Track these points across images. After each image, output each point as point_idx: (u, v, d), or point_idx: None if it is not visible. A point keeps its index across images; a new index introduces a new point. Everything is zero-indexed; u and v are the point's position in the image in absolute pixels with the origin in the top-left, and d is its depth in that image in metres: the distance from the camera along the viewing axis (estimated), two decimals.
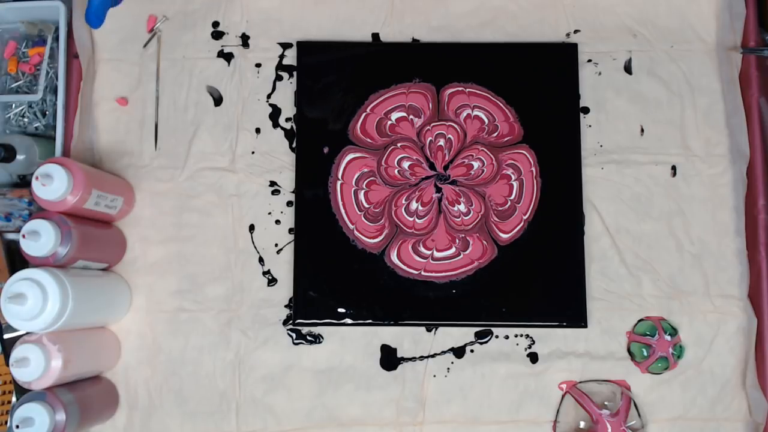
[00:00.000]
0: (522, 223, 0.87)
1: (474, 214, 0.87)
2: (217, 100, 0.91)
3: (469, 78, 0.90)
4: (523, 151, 0.88)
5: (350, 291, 0.86)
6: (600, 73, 0.90)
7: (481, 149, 0.88)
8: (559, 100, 0.89)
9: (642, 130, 0.89)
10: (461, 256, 0.86)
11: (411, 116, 0.89)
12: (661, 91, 0.90)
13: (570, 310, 0.85)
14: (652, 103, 0.89)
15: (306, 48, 0.91)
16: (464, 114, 0.89)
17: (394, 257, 0.86)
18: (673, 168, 0.88)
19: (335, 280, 0.86)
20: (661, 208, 0.88)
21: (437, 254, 0.86)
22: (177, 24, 0.92)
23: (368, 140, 0.88)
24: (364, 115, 0.89)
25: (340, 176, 0.88)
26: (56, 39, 0.90)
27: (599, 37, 0.91)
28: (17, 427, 0.71)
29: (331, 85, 0.89)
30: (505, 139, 0.88)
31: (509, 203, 0.87)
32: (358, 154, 0.88)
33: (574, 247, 0.86)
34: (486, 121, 0.89)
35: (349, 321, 0.85)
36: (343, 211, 0.87)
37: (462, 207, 0.87)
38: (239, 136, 0.90)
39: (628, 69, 0.90)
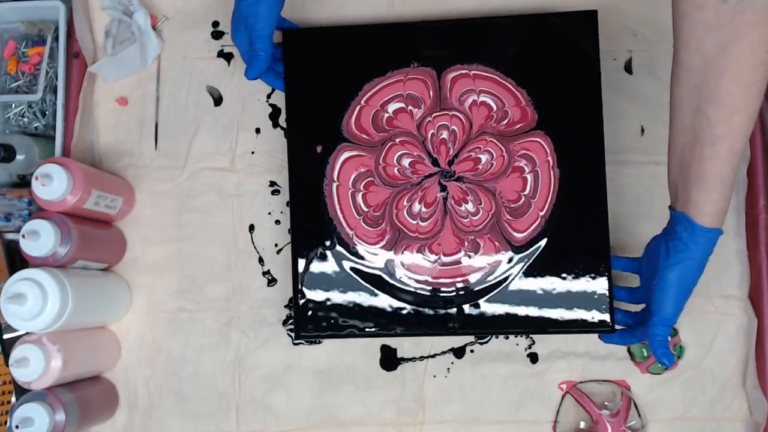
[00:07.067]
0: (539, 220, 0.80)
1: (483, 213, 0.81)
2: (217, 100, 0.91)
3: (473, 59, 0.81)
4: (538, 139, 0.79)
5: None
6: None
7: (489, 140, 0.81)
8: (576, 77, 0.80)
9: (642, 130, 0.89)
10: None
11: (410, 107, 0.82)
12: (661, 91, 0.89)
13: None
14: (652, 103, 0.89)
15: (292, 36, 0.83)
16: (469, 101, 0.81)
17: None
18: None
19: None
20: (662, 208, 0.88)
21: (444, 259, 0.82)
22: (177, 24, 0.92)
23: (364, 136, 0.82)
24: (358, 107, 0.82)
25: (335, 178, 0.82)
26: (56, 39, 0.90)
27: (599, 36, 0.90)
28: (17, 427, 0.71)
29: (321, 76, 0.83)
30: (517, 126, 0.81)
31: (523, 199, 0.80)
32: (353, 153, 0.82)
33: (598, 244, 0.79)
34: (494, 107, 0.81)
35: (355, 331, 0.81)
36: (340, 216, 0.82)
37: (470, 206, 0.81)
38: (239, 136, 0.90)
39: (628, 69, 0.90)
